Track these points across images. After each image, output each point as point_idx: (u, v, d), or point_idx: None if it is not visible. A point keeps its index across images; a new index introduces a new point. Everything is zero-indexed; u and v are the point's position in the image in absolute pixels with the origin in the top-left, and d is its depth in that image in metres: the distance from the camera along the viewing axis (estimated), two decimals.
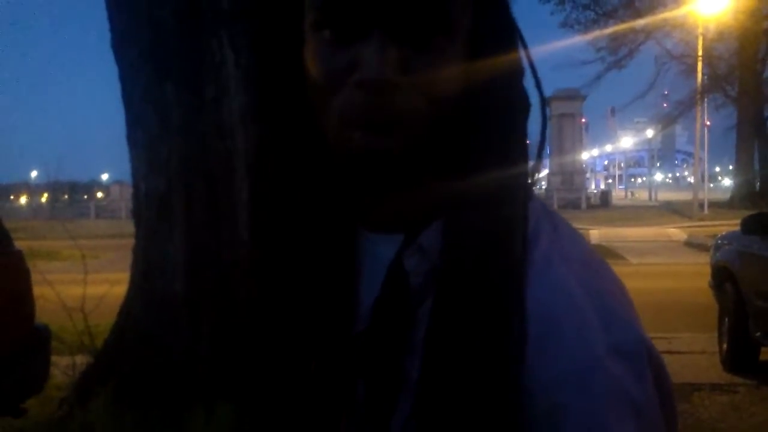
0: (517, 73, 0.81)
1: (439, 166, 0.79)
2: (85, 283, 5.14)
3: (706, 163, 45.84)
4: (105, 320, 5.20)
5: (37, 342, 4.32)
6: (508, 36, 0.80)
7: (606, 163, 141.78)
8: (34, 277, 4.51)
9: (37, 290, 4.54)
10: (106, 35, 4.41)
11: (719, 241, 7.82)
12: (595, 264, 0.80)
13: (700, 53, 31.60)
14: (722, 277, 7.30)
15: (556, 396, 0.70)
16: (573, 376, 0.70)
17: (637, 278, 12.65)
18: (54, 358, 4.73)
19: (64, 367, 5.05)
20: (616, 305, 0.75)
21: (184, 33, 4.10)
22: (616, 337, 0.72)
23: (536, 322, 0.73)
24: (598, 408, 0.69)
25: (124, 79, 4.33)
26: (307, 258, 0.87)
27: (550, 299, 0.74)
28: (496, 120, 0.79)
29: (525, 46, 0.82)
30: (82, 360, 5.01)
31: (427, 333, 0.76)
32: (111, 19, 4.35)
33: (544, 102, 0.84)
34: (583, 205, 40.51)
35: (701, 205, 32.86)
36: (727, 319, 7.02)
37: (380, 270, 0.82)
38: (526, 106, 0.81)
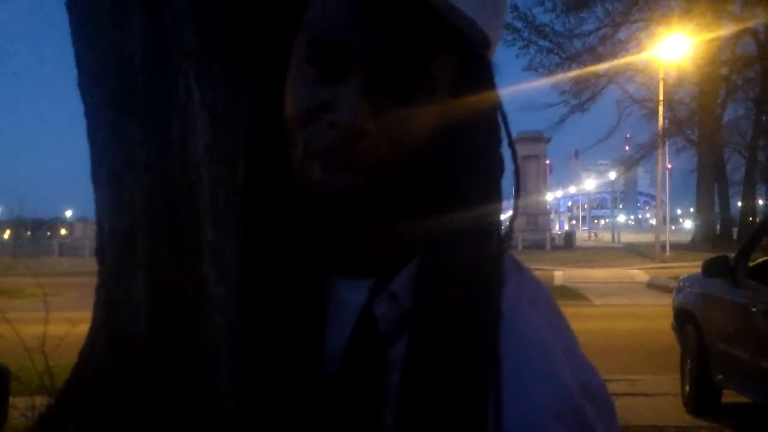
0: (494, 115, 0.83)
1: (408, 207, 0.81)
2: (47, 322, 5.06)
3: (668, 205, 46.44)
4: (66, 360, 5.11)
5: None
6: (488, 85, 0.82)
7: (570, 204, 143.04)
8: None
9: None
10: (73, 71, 4.39)
11: (681, 284, 7.90)
12: (556, 310, 0.83)
13: (661, 98, 32.13)
14: (684, 319, 7.37)
15: (532, 429, 0.71)
16: (547, 410, 0.72)
17: (601, 319, 12.73)
18: (12, 399, 4.64)
19: (23, 408, 4.94)
20: (580, 351, 0.79)
21: (151, 72, 4.09)
22: (584, 378, 0.75)
23: (508, 360, 0.74)
24: None
25: (89, 116, 4.29)
26: (276, 302, 0.86)
27: (521, 338, 0.76)
28: (471, 162, 0.81)
29: (499, 102, 0.84)
30: (41, 401, 4.91)
31: (402, 383, 0.76)
32: (78, 56, 4.34)
33: (513, 144, 0.86)
34: (548, 246, 40.77)
35: (663, 247, 33.19)
36: (689, 362, 7.07)
37: (350, 316, 0.82)
38: (498, 149, 0.84)
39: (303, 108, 0.77)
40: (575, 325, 0.83)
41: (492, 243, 0.81)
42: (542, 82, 35.54)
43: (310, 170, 0.77)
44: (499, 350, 0.75)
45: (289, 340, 0.85)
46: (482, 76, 0.81)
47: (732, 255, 6.81)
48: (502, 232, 0.84)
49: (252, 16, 0.86)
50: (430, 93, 0.77)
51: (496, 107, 0.83)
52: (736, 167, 42.85)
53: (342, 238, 0.85)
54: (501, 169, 0.83)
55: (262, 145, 0.86)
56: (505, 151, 0.85)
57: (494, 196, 0.82)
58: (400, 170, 0.77)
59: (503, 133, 0.84)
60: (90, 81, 4.62)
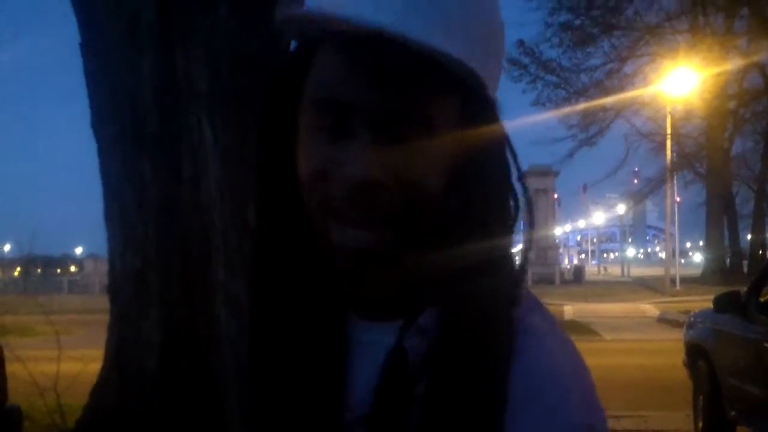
0: (502, 150, 0.85)
1: (424, 247, 0.82)
2: (59, 361, 5.06)
3: (677, 238, 46.29)
4: (77, 398, 5.11)
5: (7, 424, 4.23)
6: (492, 120, 0.84)
7: (579, 238, 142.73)
8: (5, 353, 4.44)
9: (8, 367, 4.45)
10: (85, 110, 4.44)
11: (692, 319, 7.87)
12: (574, 348, 0.84)
13: (668, 132, 32.18)
14: (696, 355, 7.33)
15: None
16: None
17: (612, 354, 12.64)
18: None
19: None
20: (592, 389, 0.80)
21: (163, 112, 4.15)
22: (592, 417, 0.77)
23: (524, 386, 0.76)
24: None
25: (102, 156, 4.35)
26: (298, 345, 0.87)
27: (540, 367, 0.78)
28: (483, 198, 0.83)
29: (506, 136, 0.86)
30: None
31: (419, 419, 0.78)
32: (91, 96, 4.40)
33: (523, 178, 0.87)
34: (557, 280, 40.65)
35: (673, 281, 33.05)
36: (701, 398, 7.02)
37: (376, 357, 0.83)
38: (508, 183, 0.85)
39: (314, 167, 0.79)
40: (586, 361, 0.84)
41: (506, 277, 0.83)
42: (550, 117, 35.63)
43: (327, 228, 0.79)
44: (507, 387, 0.77)
45: (309, 384, 0.85)
46: (484, 112, 0.83)
47: (743, 289, 6.79)
48: (516, 265, 0.86)
49: (259, 82, 0.89)
50: (434, 137, 0.79)
51: (504, 142, 0.85)
52: (745, 200, 42.76)
53: (360, 283, 0.86)
54: (513, 203, 0.85)
55: (275, 198, 0.88)
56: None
57: (507, 229, 0.84)
58: (414, 218, 0.79)
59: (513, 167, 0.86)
60: (103, 120, 4.67)
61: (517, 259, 0.87)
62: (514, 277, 0.84)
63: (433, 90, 0.77)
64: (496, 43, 0.84)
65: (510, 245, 0.85)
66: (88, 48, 4.51)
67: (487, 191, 0.83)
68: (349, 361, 0.86)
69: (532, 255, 0.88)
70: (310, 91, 0.81)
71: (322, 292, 0.87)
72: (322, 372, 0.85)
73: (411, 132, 0.77)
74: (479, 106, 0.82)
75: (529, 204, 0.87)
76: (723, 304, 6.71)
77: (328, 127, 0.79)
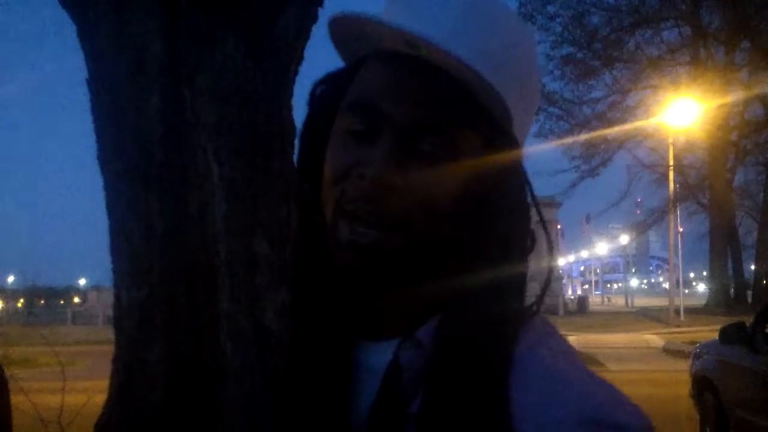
0: (517, 182, 0.89)
1: (435, 267, 0.85)
2: (64, 393, 5.03)
3: (681, 269, 46.16)
4: (82, 431, 5.06)
5: None
6: (512, 156, 0.87)
7: (582, 269, 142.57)
8: (9, 385, 4.40)
9: (12, 399, 4.42)
10: (91, 142, 4.46)
11: (698, 350, 7.85)
12: (579, 362, 0.84)
13: (671, 163, 32.21)
14: (702, 386, 7.30)
15: None
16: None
17: (617, 385, 12.51)
18: None
19: None
20: (616, 391, 0.82)
21: (170, 145, 4.18)
22: (627, 416, 0.78)
23: (536, 392, 0.77)
24: None
25: (108, 189, 4.36)
26: (302, 367, 0.88)
27: (551, 374, 0.78)
28: (496, 225, 0.85)
29: (523, 170, 0.90)
30: None
31: None
32: (97, 131, 4.42)
33: (539, 207, 0.91)
34: (561, 311, 40.50)
35: (677, 311, 32.86)
36: (708, 429, 6.98)
37: (376, 377, 0.84)
38: (526, 209, 0.89)
39: (338, 167, 0.85)
40: None
41: (515, 303, 0.85)
42: (553, 148, 35.70)
43: (339, 229, 0.83)
44: (504, 406, 0.77)
45: (316, 410, 0.86)
46: (506, 148, 0.86)
47: (748, 320, 6.77)
48: (525, 289, 0.88)
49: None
50: (454, 160, 0.83)
51: (521, 174, 0.89)
52: (748, 231, 42.73)
53: (369, 300, 0.88)
54: (525, 230, 0.88)
55: (305, 223, 0.91)
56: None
57: (519, 256, 0.86)
58: (425, 229, 0.82)
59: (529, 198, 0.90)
60: (109, 155, 4.69)
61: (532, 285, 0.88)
62: (523, 298, 0.87)
63: (463, 120, 0.82)
64: (531, 89, 0.89)
65: (519, 272, 0.87)
66: (95, 83, 4.55)
67: (500, 218, 0.85)
68: (355, 381, 0.87)
69: (535, 286, 0.90)
70: (349, 96, 0.87)
71: (330, 313, 0.90)
72: (327, 394, 0.87)
73: (433, 151, 0.81)
74: (502, 141, 0.86)
75: (550, 245, 0.91)
76: (729, 335, 6.70)
77: (358, 132, 0.84)
